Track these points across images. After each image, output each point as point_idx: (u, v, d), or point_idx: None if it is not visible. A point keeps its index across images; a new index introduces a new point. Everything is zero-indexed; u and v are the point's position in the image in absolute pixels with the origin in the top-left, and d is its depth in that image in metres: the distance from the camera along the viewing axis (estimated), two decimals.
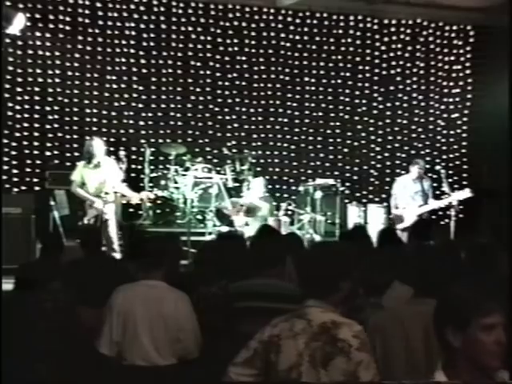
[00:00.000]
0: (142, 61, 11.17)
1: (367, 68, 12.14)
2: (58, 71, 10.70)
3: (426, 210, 9.20)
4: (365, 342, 2.82)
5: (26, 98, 10.64)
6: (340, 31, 11.98)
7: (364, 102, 12.17)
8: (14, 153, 10.56)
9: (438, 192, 9.74)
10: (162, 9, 11.21)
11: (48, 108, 10.73)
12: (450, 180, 9.47)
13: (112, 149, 9.73)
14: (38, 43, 10.57)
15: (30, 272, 4.48)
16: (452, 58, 12.38)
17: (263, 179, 10.32)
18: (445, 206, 9.32)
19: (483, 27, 12.13)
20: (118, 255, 7.76)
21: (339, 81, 12.03)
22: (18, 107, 10.61)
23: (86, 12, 10.85)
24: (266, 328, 2.99)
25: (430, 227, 6.56)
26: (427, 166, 11.17)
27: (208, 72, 11.44)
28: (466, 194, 9.15)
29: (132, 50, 11.11)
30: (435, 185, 10.12)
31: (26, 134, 10.65)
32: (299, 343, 2.86)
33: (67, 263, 5.43)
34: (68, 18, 10.78)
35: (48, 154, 10.75)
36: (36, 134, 10.72)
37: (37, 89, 10.65)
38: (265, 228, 5.74)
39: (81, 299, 4.45)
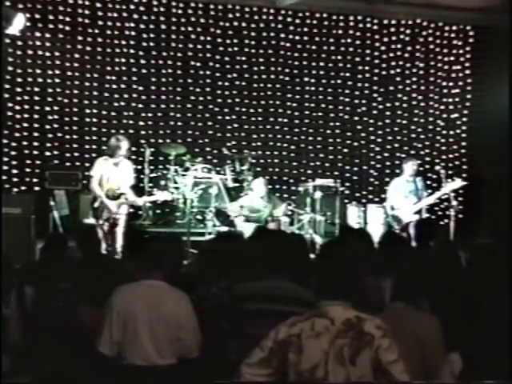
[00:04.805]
0: (142, 61, 11.17)
1: (367, 68, 12.13)
2: (57, 71, 10.70)
3: (421, 207, 9.20)
4: (387, 330, 2.88)
5: (26, 98, 10.64)
6: (340, 31, 11.98)
7: (364, 102, 12.16)
8: (13, 153, 10.56)
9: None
10: (162, 9, 11.21)
11: (48, 108, 10.73)
12: (450, 180, 9.46)
13: None
14: (38, 43, 10.57)
15: (32, 272, 4.49)
16: (452, 59, 12.37)
17: (264, 180, 10.23)
18: (439, 200, 9.29)
19: (483, 27, 12.12)
20: (119, 255, 7.73)
21: (339, 81, 12.03)
22: (17, 107, 10.61)
23: (86, 12, 10.86)
24: (281, 328, 2.97)
25: (430, 228, 6.53)
26: (427, 166, 11.20)
27: (208, 72, 11.44)
28: (457, 183, 9.13)
29: (132, 50, 11.11)
30: (435, 185, 10.12)
31: (25, 134, 10.66)
32: (323, 342, 2.87)
33: (68, 263, 5.43)
34: (68, 19, 10.78)
35: (48, 154, 10.76)
36: (36, 134, 10.73)
37: (36, 89, 10.65)
38: (261, 230, 5.70)
39: (82, 299, 4.45)
